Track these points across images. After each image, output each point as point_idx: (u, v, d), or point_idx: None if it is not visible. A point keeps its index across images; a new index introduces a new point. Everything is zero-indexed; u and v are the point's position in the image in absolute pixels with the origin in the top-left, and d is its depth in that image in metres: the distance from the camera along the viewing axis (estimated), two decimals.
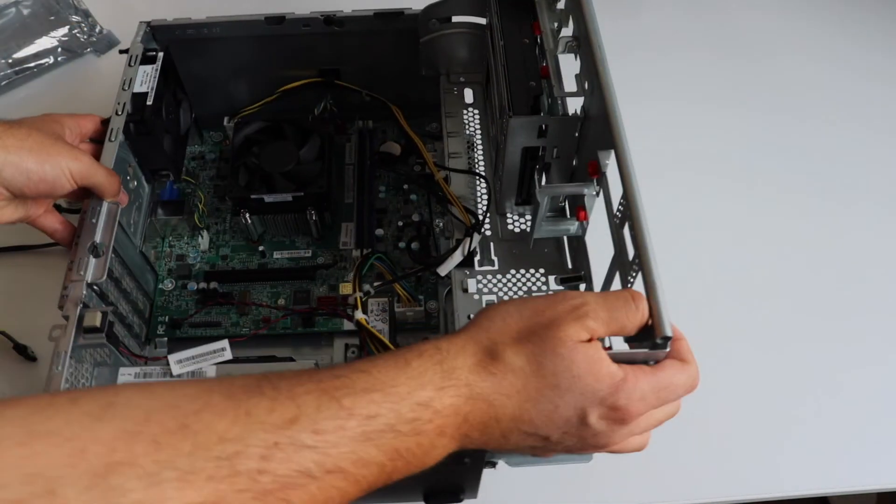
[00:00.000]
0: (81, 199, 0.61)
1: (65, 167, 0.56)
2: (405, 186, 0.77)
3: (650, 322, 0.43)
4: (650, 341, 0.43)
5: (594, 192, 0.55)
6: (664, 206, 0.78)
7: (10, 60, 0.87)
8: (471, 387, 0.38)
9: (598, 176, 0.52)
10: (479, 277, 0.63)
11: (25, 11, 0.90)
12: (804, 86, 0.94)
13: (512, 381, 0.39)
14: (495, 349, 0.40)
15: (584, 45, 0.57)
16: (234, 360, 0.60)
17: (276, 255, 0.73)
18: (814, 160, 0.87)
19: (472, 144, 0.73)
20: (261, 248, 0.73)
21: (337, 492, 0.34)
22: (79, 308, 0.56)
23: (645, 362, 0.43)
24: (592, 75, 0.54)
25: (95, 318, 0.56)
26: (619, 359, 0.41)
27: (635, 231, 0.46)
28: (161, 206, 0.73)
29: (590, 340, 0.40)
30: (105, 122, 0.65)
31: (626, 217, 0.48)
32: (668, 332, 0.42)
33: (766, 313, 0.75)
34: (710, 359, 0.69)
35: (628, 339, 0.45)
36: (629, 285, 0.47)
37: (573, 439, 0.41)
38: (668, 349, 0.43)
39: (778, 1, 1.04)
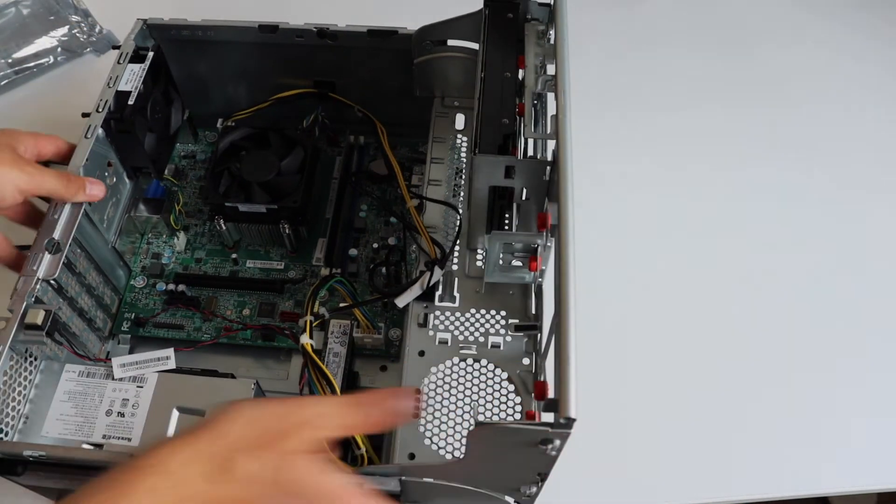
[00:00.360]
0: (31, 221, 0.63)
1: (7, 178, 0.56)
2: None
3: (557, 398, 0.40)
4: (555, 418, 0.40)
5: (547, 243, 0.53)
6: (663, 203, 0.82)
7: (9, 60, 0.89)
8: (206, 493, 0.39)
9: (545, 229, 0.50)
10: (438, 313, 0.62)
11: (25, 11, 0.92)
12: (802, 80, 0.95)
13: (249, 489, 0.40)
14: (231, 458, 0.40)
15: (556, 85, 0.54)
16: (177, 371, 0.60)
17: (249, 263, 0.73)
18: (813, 155, 0.88)
19: (460, 171, 0.71)
20: (234, 255, 0.72)
21: None
22: (24, 304, 0.56)
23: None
24: (555, 120, 0.52)
25: (38, 316, 0.56)
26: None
27: (561, 297, 0.43)
28: (143, 202, 0.73)
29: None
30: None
31: (558, 279, 0.45)
32: (573, 414, 0.39)
33: (766, 313, 0.75)
34: (710, 359, 0.72)
35: None
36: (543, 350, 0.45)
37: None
38: (570, 431, 0.40)
39: None
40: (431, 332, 0.60)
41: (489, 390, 0.57)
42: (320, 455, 0.42)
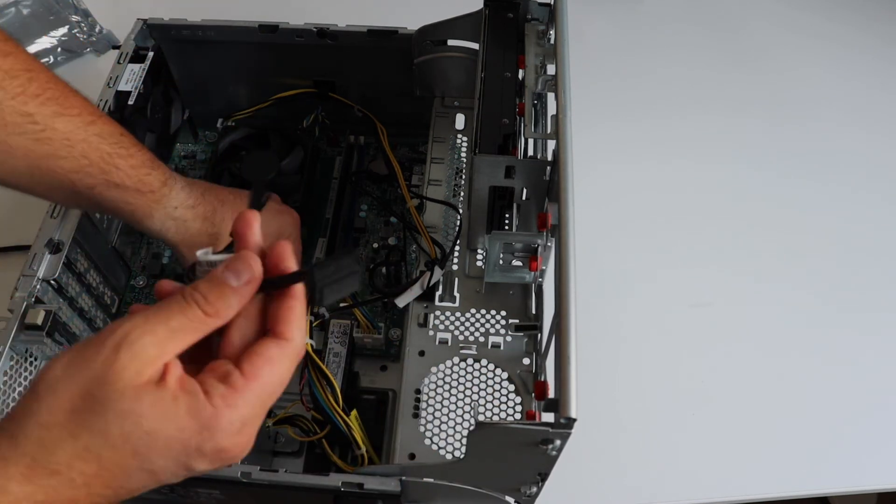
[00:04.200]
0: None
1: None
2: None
3: (557, 398, 0.40)
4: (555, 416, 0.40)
5: (548, 243, 0.53)
6: (663, 203, 0.82)
7: None
8: (32, 499, 0.32)
9: (545, 229, 0.50)
10: (438, 313, 0.62)
11: (25, 11, 0.92)
12: (804, 86, 0.95)
13: (83, 470, 0.33)
14: (48, 438, 0.32)
15: (557, 85, 0.54)
16: None
17: None
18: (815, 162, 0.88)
19: (460, 171, 0.71)
20: None
21: None
22: (24, 304, 0.56)
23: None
24: (555, 120, 0.52)
25: (38, 316, 0.56)
26: (204, 380, 0.34)
27: (561, 297, 0.43)
28: None
29: (163, 375, 0.33)
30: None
31: (558, 279, 0.45)
32: (573, 414, 0.39)
33: (766, 313, 0.75)
34: (710, 359, 0.72)
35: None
36: (543, 350, 0.45)
37: (197, 475, 0.36)
38: (571, 431, 0.40)
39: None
40: (431, 332, 0.60)
41: (489, 390, 0.57)
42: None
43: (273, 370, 0.35)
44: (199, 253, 0.38)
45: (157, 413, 0.33)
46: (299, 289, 0.37)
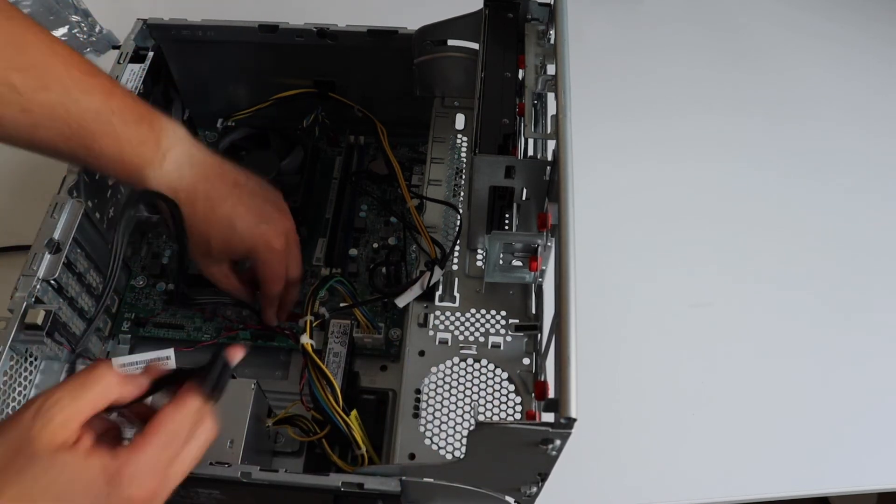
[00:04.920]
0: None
1: None
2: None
3: (557, 398, 0.40)
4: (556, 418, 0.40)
5: (548, 243, 0.53)
6: (663, 203, 0.83)
7: None
8: None
9: (545, 229, 0.50)
10: (438, 313, 0.62)
11: (25, 11, 0.91)
12: (804, 86, 0.96)
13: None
14: None
15: (556, 85, 0.54)
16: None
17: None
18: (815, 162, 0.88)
19: (460, 171, 0.71)
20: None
21: None
22: (24, 304, 0.56)
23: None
24: (555, 120, 0.52)
25: (37, 316, 0.56)
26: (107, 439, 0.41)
27: (561, 297, 0.43)
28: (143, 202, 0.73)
29: (79, 437, 0.39)
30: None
31: (558, 279, 0.45)
32: (573, 414, 0.39)
33: (765, 314, 0.75)
34: (710, 359, 0.72)
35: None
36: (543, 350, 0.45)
37: None
38: (571, 431, 0.40)
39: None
40: (431, 332, 0.60)
41: (489, 390, 0.57)
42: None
43: (170, 420, 0.41)
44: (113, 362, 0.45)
45: (69, 471, 0.38)
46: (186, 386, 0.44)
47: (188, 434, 0.42)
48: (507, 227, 0.61)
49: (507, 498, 0.51)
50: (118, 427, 0.45)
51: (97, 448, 0.39)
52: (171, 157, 0.56)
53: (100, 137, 0.53)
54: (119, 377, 0.42)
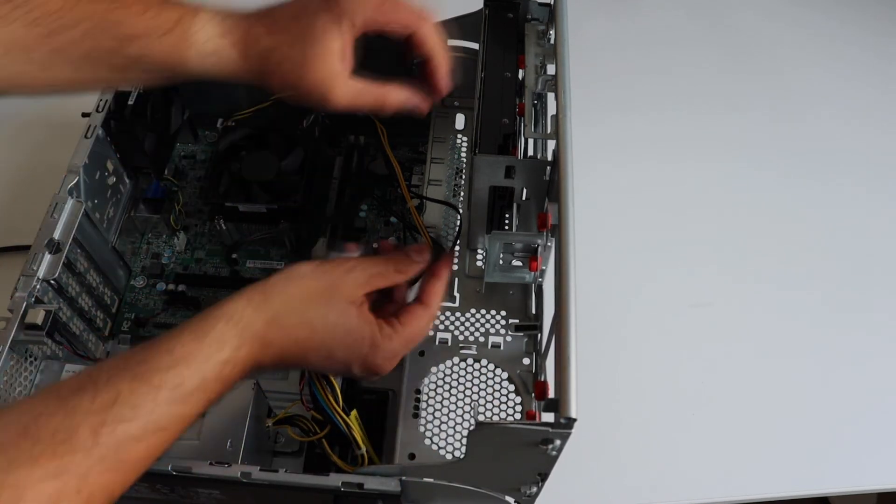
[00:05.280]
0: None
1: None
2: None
3: (557, 398, 0.40)
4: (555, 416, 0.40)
5: (548, 243, 0.53)
6: (663, 203, 0.83)
7: None
8: (264, 338, 0.46)
9: (545, 229, 0.50)
10: (437, 312, 0.61)
11: None
12: (805, 84, 0.96)
13: (299, 334, 0.47)
14: (288, 309, 0.47)
15: (557, 85, 0.54)
16: None
17: (250, 263, 0.73)
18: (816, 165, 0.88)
19: (460, 171, 0.71)
20: (234, 255, 0.72)
21: (165, 442, 0.43)
22: (24, 304, 0.56)
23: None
24: (555, 120, 0.52)
25: (38, 316, 0.56)
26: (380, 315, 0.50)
27: (561, 297, 0.43)
28: (143, 202, 0.73)
29: (362, 303, 0.49)
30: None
31: (558, 279, 0.45)
32: (573, 414, 0.39)
33: (765, 314, 0.75)
34: (710, 359, 0.72)
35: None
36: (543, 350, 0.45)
37: (348, 373, 0.51)
38: (571, 431, 0.40)
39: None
40: (431, 332, 0.60)
41: (489, 390, 0.57)
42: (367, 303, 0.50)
43: (416, 323, 0.50)
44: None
45: (355, 322, 0.48)
46: (444, 272, 0.53)
47: (424, 333, 0.52)
48: (507, 227, 0.61)
49: (507, 498, 0.51)
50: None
51: (371, 318, 0.49)
52: (203, 9, 0.53)
53: (118, 12, 0.51)
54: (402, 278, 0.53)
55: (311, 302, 0.48)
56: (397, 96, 0.55)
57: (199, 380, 0.43)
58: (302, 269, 0.49)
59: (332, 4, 0.51)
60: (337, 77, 0.52)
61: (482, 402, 0.57)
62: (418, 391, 0.57)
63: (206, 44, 0.52)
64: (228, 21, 0.52)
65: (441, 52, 0.54)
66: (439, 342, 0.60)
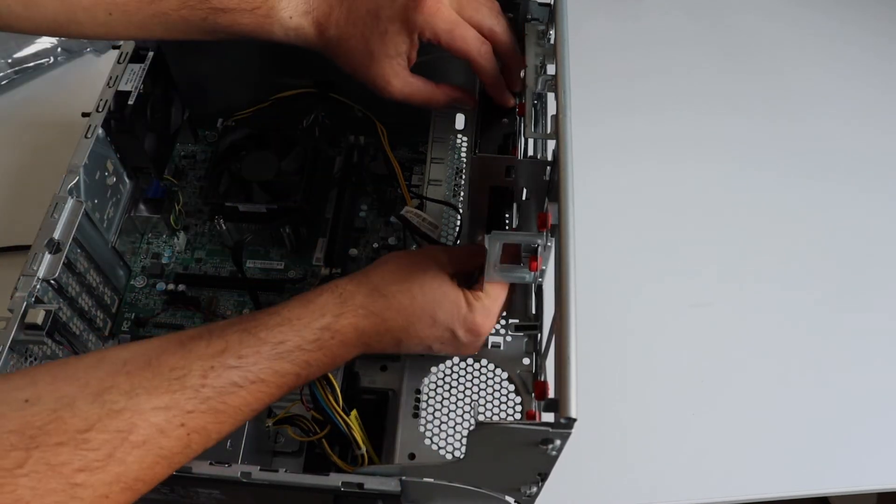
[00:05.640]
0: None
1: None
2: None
3: (557, 398, 0.40)
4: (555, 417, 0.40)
5: (548, 243, 0.52)
6: (663, 203, 0.84)
7: (9, 60, 0.89)
8: (366, 307, 0.51)
9: (545, 229, 0.50)
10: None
11: None
12: (806, 84, 0.96)
13: (400, 301, 0.51)
14: (388, 281, 0.52)
15: (557, 85, 0.54)
16: None
17: (250, 263, 0.73)
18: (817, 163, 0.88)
19: (460, 171, 0.71)
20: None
21: (263, 394, 0.47)
22: (24, 304, 0.56)
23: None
24: (555, 120, 0.52)
25: (38, 316, 0.56)
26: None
27: (561, 297, 0.43)
28: (143, 202, 0.73)
29: (454, 276, 0.54)
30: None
31: (558, 279, 0.45)
32: (573, 414, 0.39)
33: (765, 314, 0.76)
34: (710, 359, 0.73)
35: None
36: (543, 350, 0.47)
37: (449, 348, 0.54)
38: (571, 431, 0.40)
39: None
40: None
41: (489, 390, 0.57)
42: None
43: (494, 290, 0.55)
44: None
45: (450, 286, 0.53)
46: None
47: (501, 301, 0.55)
48: (507, 227, 0.61)
49: (507, 498, 0.51)
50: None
51: (461, 288, 0.53)
52: None
53: None
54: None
55: (409, 272, 0.52)
56: (447, 95, 0.61)
57: (300, 340, 0.48)
58: (395, 253, 0.55)
59: (408, 14, 0.56)
60: (398, 74, 0.58)
61: (482, 402, 0.57)
62: (418, 391, 0.57)
63: (291, 20, 0.59)
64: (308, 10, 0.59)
65: (495, 82, 0.59)
66: None
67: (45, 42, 0.91)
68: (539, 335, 0.59)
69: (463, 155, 0.71)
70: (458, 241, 0.64)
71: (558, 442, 0.42)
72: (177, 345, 0.46)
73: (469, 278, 0.56)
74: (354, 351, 0.52)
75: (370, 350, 0.53)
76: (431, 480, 0.48)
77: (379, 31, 0.57)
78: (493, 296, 0.55)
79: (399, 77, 0.59)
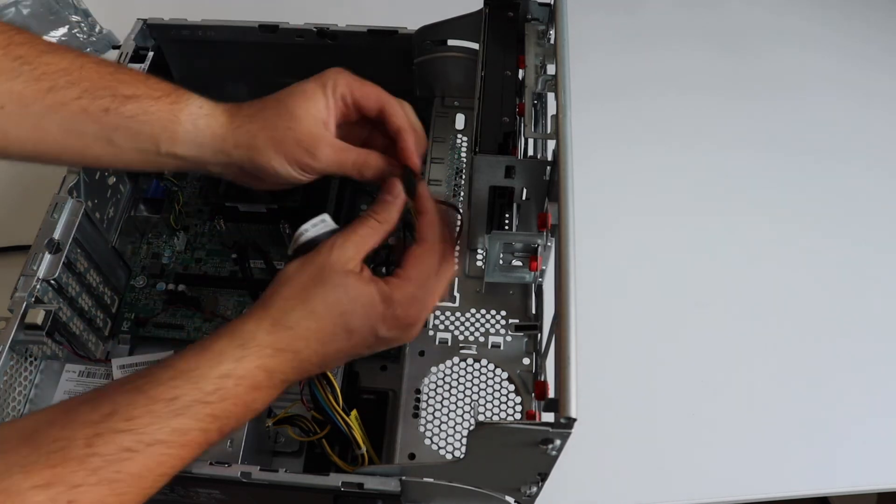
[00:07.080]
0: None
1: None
2: None
3: (557, 398, 0.40)
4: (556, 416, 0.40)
5: (548, 243, 0.53)
6: (663, 203, 0.83)
7: None
8: (272, 346, 0.46)
9: (545, 229, 0.50)
10: (438, 313, 0.62)
11: (25, 11, 0.91)
12: (806, 78, 0.96)
13: (307, 326, 0.47)
14: (287, 308, 0.47)
15: (557, 85, 0.54)
16: None
17: (250, 263, 0.72)
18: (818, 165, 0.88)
19: (460, 171, 0.71)
20: (234, 255, 0.72)
21: (167, 457, 0.42)
22: (24, 304, 0.56)
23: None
24: (555, 120, 0.52)
25: (38, 316, 0.56)
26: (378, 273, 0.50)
27: (561, 297, 0.43)
28: (143, 202, 0.73)
29: (361, 269, 0.49)
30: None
31: (558, 279, 0.45)
32: (573, 413, 0.39)
33: (766, 314, 0.75)
34: (711, 359, 0.72)
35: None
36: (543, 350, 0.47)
37: (382, 345, 0.50)
38: (571, 431, 0.40)
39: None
40: (431, 332, 0.60)
41: (489, 390, 0.57)
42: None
43: (421, 263, 0.50)
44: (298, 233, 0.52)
45: (357, 287, 0.48)
46: (426, 204, 0.53)
47: (437, 271, 0.51)
48: (507, 227, 0.61)
49: (507, 498, 0.51)
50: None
51: (372, 276, 0.49)
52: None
53: (121, 75, 0.53)
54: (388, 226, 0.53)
55: (306, 289, 0.47)
56: (377, 162, 0.55)
57: (197, 393, 0.43)
58: (288, 271, 0.49)
59: (315, 76, 0.56)
60: (323, 136, 0.54)
61: (482, 402, 0.57)
62: (418, 391, 0.57)
63: (202, 108, 0.54)
64: (219, 102, 0.55)
65: (407, 130, 0.55)
66: (439, 342, 0.60)
67: None
68: (539, 335, 0.59)
69: (463, 155, 0.71)
70: (458, 242, 0.64)
71: (558, 442, 0.42)
72: (61, 413, 0.42)
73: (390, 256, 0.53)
74: (273, 392, 0.47)
75: (292, 384, 0.49)
76: (431, 480, 0.48)
77: (294, 95, 0.56)
78: (417, 278, 0.50)
79: (325, 138, 0.55)
